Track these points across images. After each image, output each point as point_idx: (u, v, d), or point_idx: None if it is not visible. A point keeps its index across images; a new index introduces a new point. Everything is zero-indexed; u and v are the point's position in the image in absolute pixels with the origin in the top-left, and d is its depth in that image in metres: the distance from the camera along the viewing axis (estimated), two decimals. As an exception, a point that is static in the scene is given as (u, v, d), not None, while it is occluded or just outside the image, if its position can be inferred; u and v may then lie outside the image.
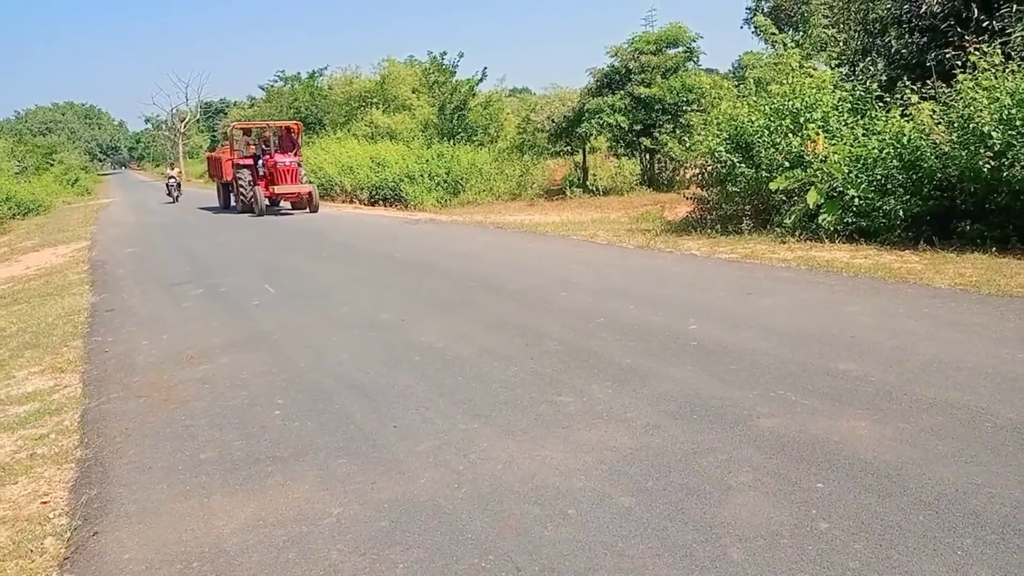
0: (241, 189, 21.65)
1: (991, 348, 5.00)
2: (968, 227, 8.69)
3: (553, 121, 24.82)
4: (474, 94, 29.98)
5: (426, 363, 5.50)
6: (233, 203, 23.15)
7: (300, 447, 4.10)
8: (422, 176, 23.95)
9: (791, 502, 3.17)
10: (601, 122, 22.25)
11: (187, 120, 69.60)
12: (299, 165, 21.11)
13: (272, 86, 46.13)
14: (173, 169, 31.87)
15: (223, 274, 10.37)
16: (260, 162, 21.43)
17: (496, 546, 2.99)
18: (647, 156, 23.87)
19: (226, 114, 51.04)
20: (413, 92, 31.01)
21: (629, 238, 11.67)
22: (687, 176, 14.75)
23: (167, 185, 29.78)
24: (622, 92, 22.56)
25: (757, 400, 4.33)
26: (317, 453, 4.01)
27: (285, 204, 22.58)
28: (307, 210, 21.20)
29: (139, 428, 4.59)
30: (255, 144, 22.95)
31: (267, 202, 20.63)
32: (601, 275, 8.69)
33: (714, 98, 13.07)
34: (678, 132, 21.14)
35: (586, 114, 22.86)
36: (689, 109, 21.47)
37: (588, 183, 23.49)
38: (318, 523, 3.27)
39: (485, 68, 38.82)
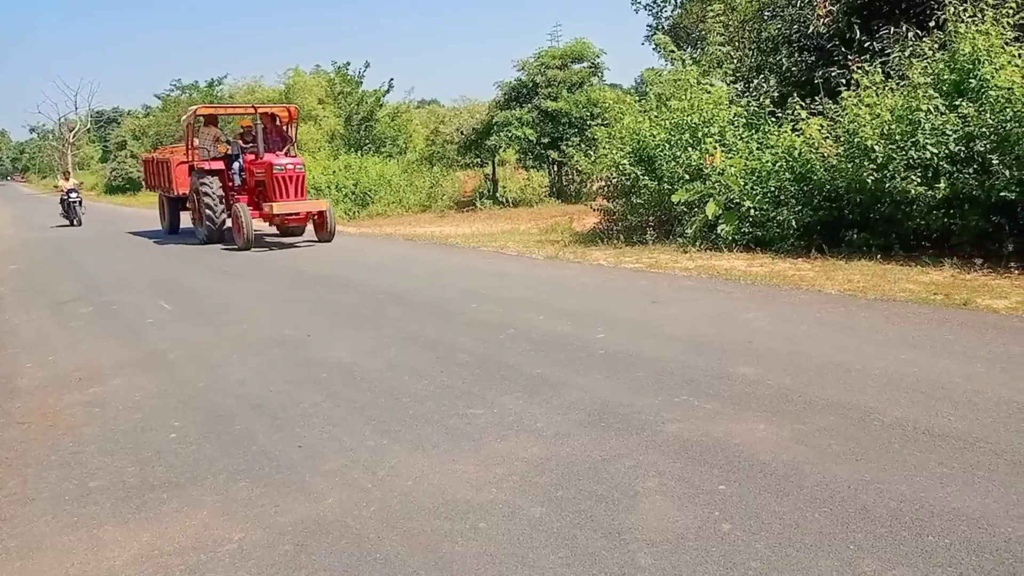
0: (208, 207, 14.53)
1: (877, 350, 5.29)
2: (855, 236, 9.19)
3: (462, 133, 24.87)
4: (381, 105, 29.71)
5: (333, 379, 5.37)
6: (196, 228, 15.66)
7: (198, 471, 3.92)
8: (329, 188, 23.51)
9: (695, 505, 3.24)
10: (510, 135, 22.43)
11: (76, 130, 66.14)
12: (304, 168, 14.40)
13: (168, 95, 44.39)
14: (68, 180, 22.98)
15: (114, 291, 9.85)
16: (237, 165, 14.79)
17: (406, 564, 2.93)
18: (555, 168, 24.21)
19: (119, 123, 48.75)
20: (319, 103, 30.45)
21: (538, 249, 11.78)
22: (594, 188, 15.04)
23: (63, 202, 21.68)
24: (530, 105, 22.83)
25: (662, 406, 4.43)
26: (217, 477, 3.84)
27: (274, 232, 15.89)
28: (316, 238, 14.55)
29: (21, 457, 4.29)
30: (229, 141, 15.57)
31: (253, 227, 13.68)
32: (511, 286, 8.73)
33: (618, 113, 13.36)
34: (584, 145, 21.56)
35: (495, 127, 22.99)
36: (594, 123, 21.89)
37: (498, 195, 23.63)
38: (218, 550, 3.13)
39: (392, 79, 38.42)
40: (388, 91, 29.80)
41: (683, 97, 12.02)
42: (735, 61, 13.69)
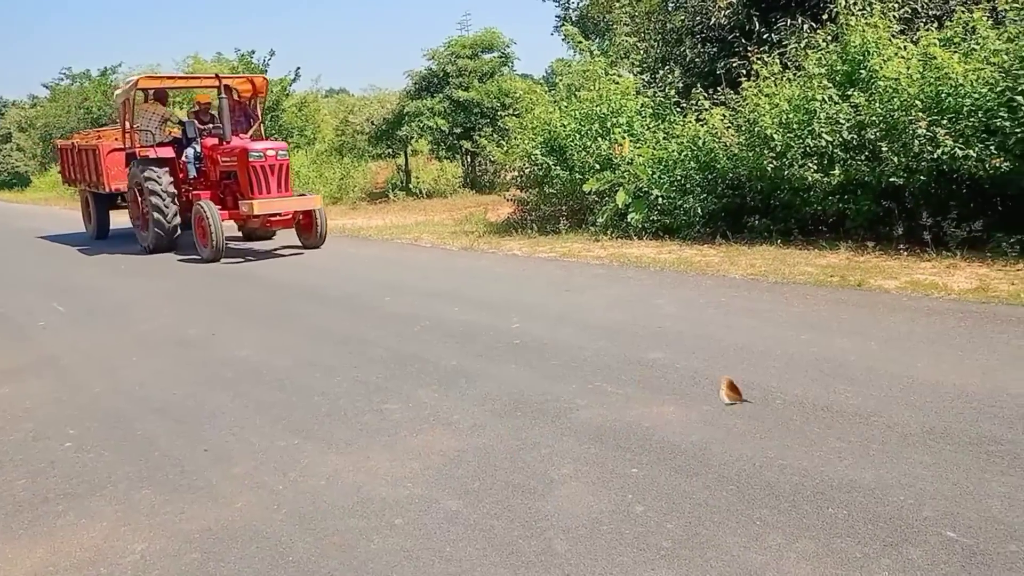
0: (155, 208, 11.37)
1: (778, 331, 5.50)
2: (757, 222, 9.53)
3: (373, 123, 24.45)
4: (288, 94, 28.90)
5: (240, 379, 5.20)
6: (137, 232, 12.38)
7: (96, 481, 3.73)
8: (234, 181, 22.74)
9: (609, 489, 3.30)
10: (422, 125, 22.21)
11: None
12: (287, 155, 11.31)
13: (58, 84, 41.90)
14: None
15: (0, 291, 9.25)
16: (192, 152, 11.73)
17: (320, 566, 2.87)
18: (468, 159, 24.14)
19: (2, 115, 45.67)
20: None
21: (453, 240, 11.72)
22: (507, 178, 15.08)
23: None
24: (441, 95, 22.66)
25: (576, 393, 4.49)
26: (116, 486, 3.66)
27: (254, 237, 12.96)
28: (301, 243, 11.73)
29: None
30: (182, 122, 12.31)
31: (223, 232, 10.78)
32: (426, 278, 8.66)
33: (528, 103, 13.43)
34: (497, 136, 21.59)
35: (406, 117, 22.71)
36: (506, 113, 21.98)
37: (411, 186, 23.39)
38: (119, 563, 2.98)
39: (299, 68, 37.48)
40: (295, 80, 28.99)
41: (592, 88, 12.17)
42: (642, 52, 13.94)
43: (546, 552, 2.86)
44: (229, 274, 9.79)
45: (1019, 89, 7.42)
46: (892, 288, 6.62)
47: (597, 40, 15.30)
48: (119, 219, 14.50)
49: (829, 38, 9.64)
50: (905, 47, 8.83)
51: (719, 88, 10.86)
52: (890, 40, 9.00)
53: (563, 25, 22.15)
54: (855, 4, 9.47)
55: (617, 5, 15.59)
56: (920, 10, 10.08)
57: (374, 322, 6.58)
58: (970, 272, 6.98)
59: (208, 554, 3.00)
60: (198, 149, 11.80)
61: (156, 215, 11.41)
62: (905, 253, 7.91)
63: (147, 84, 12.44)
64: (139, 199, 11.87)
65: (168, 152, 11.94)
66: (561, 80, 13.67)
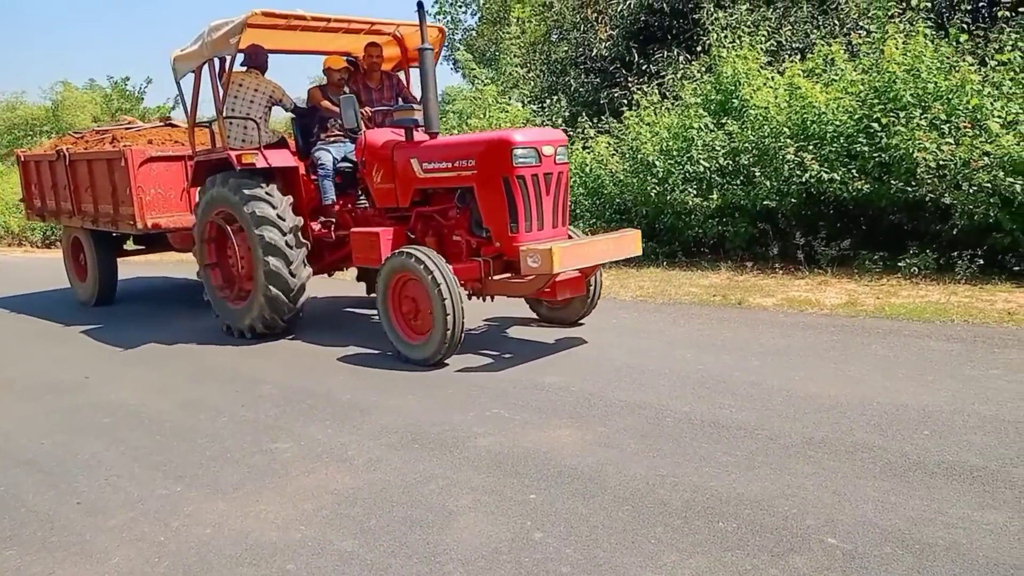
0: (269, 251, 6.49)
1: (666, 351, 5.68)
2: (644, 245, 9.84)
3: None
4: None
5: (118, 424, 4.89)
6: (216, 299, 7.32)
7: (-49, 545, 3.40)
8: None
9: (508, 517, 3.28)
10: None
11: None
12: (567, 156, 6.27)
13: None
14: None
15: None
16: (336, 156, 6.94)
17: (206, 620, 2.71)
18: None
19: None
20: (95, 120, 27.89)
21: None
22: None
23: None
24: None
25: (474, 421, 4.46)
26: (-25, 549, 3.34)
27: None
28: (545, 318, 6.83)
29: None
30: (331, 101, 6.94)
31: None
32: (323, 308, 8.43)
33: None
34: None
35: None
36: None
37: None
38: (-23, 635, 2.72)
39: (178, 96, 36.02)
40: (174, 108, 27.95)
41: (482, 116, 12.32)
42: (530, 82, 14.26)
43: (446, 587, 2.81)
44: (108, 311, 9.20)
45: (874, 116, 8.03)
46: (770, 305, 6.97)
47: (486, 69, 15.54)
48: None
49: (703, 69, 10.15)
50: (772, 78, 9.41)
51: (603, 117, 11.22)
52: (759, 71, 9.56)
53: (455, 52, 22.32)
54: (726, 37, 10.02)
55: (506, 37, 15.88)
56: (784, 43, 10.76)
57: (264, 357, 6.35)
58: (840, 288, 7.45)
59: (80, 618, 2.78)
60: (349, 151, 6.95)
61: (271, 269, 6.44)
62: (781, 272, 8.35)
63: (263, 24, 6.63)
64: (232, 241, 6.86)
65: (285, 158, 6.91)
66: (452, 107, 13.77)
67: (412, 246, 5.75)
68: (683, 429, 4.10)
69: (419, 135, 6.26)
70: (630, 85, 11.01)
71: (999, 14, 8.63)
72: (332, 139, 7.05)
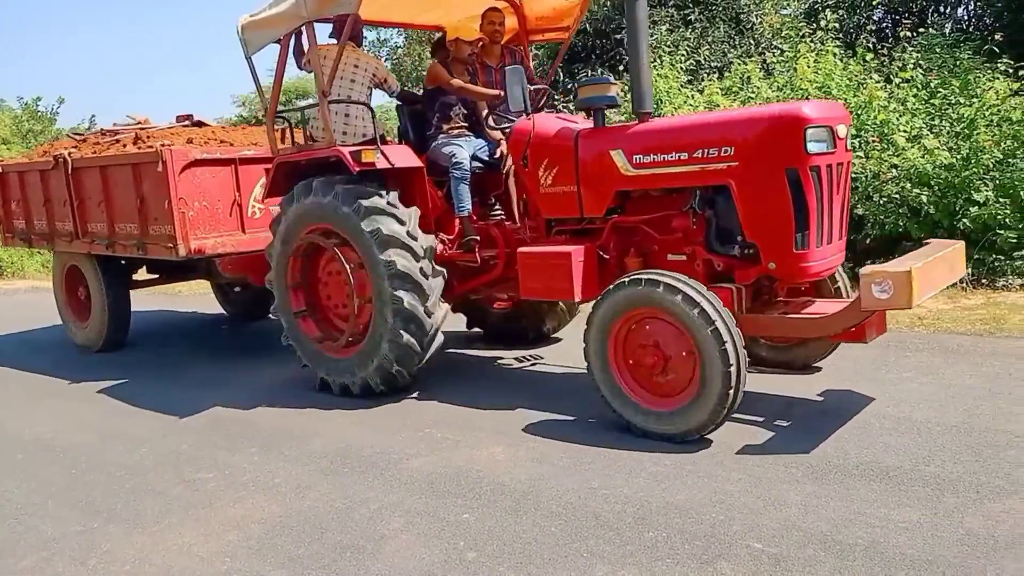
0: (400, 279, 4.90)
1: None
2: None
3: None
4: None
5: (31, 461, 4.66)
6: (312, 350, 5.54)
7: None
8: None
9: (441, 538, 3.25)
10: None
11: None
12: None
13: None
14: None
15: None
16: (490, 147, 5.63)
17: (124, 663, 2.59)
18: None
19: None
20: (3, 143, 26.69)
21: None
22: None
23: None
24: (255, 143, 22.02)
25: (406, 442, 4.41)
26: None
27: None
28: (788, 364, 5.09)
29: None
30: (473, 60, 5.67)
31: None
32: (248, 332, 8.22)
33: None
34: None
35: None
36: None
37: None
38: None
39: (93, 116, 34.75)
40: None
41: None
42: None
43: (377, 613, 2.76)
44: (10, 342, 8.77)
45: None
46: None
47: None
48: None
49: (626, 88, 10.37)
50: (693, 96, 9.68)
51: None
52: (679, 90, 9.83)
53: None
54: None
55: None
56: (703, 62, 11.13)
57: (188, 383, 6.15)
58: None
59: (-14, 668, 2.62)
60: (479, 147, 5.62)
61: (404, 307, 4.95)
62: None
63: None
64: (345, 270, 5.24)
65: (407, 156, 5.36)
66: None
67: (653, 271, 4.09)
68: (613, 440, 4.14)
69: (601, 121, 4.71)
70: (556, 104, 11.17)
71: (901, 34, 9.12)
72: (456, 131, 5.60)
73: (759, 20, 11.00)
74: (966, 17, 12.32)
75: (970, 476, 3.38)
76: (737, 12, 11.30)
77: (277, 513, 3.63)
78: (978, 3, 11.82)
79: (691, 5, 11.23)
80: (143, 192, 6.46)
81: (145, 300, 9.33)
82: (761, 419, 4.28)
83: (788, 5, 12.89)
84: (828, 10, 11.18)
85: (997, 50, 8.54)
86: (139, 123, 8.17)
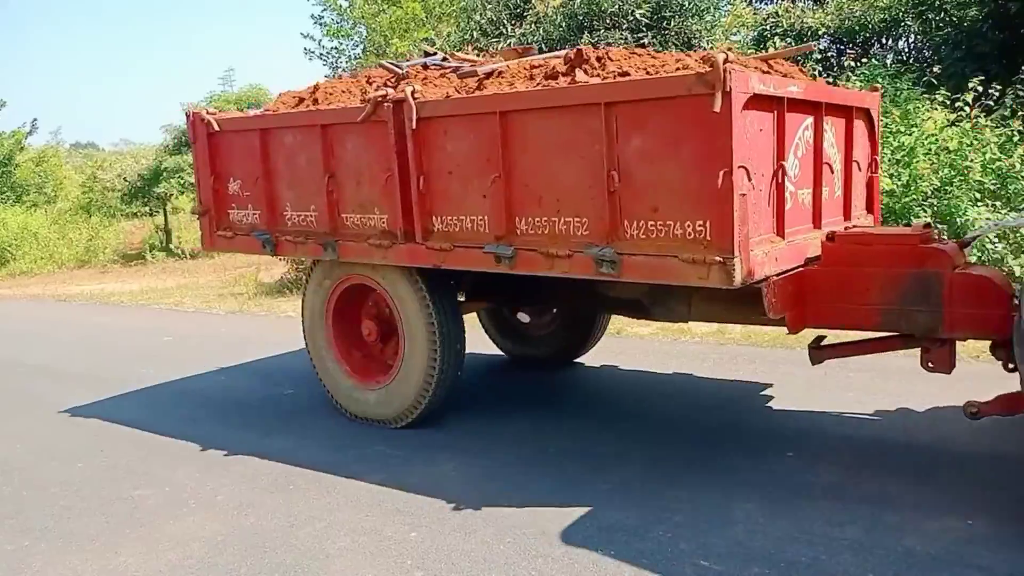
0: None
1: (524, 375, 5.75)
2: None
3: (126, 179, 22.59)
4: (22, 148, 25.96)
5: (-44, 476, 4.45)
6: None
7: None
8: (-45, 244, 19.79)
9: (387, 557, 3.20)
10: (182, 181, 20.91)
11: None
12: None
13: None
14: None
15: None
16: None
17: None
18: (237, 217, 23.07)
19: None
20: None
21: (220, 303, 11.03)
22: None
23: None
24: (204, 151, 21.57)
25: (353, 459, 4.34)
26: None
27: None
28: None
29: None
30: None
31: None
32: (188, 346, 8.03)
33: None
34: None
35: (164, 173, 21.28)
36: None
37: (172, 246, 21.81)
38: None
39: (35, 120, 33.69)
40: (31, 133, 26.22)
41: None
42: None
43: (322, 635, 2.70)
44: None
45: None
46: (646, 335, 7.19)
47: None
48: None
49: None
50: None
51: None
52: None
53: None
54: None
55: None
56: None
57: (126, 399, 5.96)
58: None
59: None
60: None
61: None
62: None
63: None
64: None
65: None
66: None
67: None
68: (565, 459, 4.14)
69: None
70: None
71: (846, 64, 9.41)
72: None
73: (710, 45, 11.23)
74: (907, 49, 12.77)
75: (909, 494, 3.47)
76: (689, 37, 11.52)
77: (218, 531, 3.53)
78: (918, 36, 12.28)
79: (644, 29, 11.41)
80: (654, 154, 3.49)
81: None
82: (706, 438, 4.33)
83: (738, 32, 13.20)
84: (776, 38, 11.52)
85: (935, 82, 8.87)
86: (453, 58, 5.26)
